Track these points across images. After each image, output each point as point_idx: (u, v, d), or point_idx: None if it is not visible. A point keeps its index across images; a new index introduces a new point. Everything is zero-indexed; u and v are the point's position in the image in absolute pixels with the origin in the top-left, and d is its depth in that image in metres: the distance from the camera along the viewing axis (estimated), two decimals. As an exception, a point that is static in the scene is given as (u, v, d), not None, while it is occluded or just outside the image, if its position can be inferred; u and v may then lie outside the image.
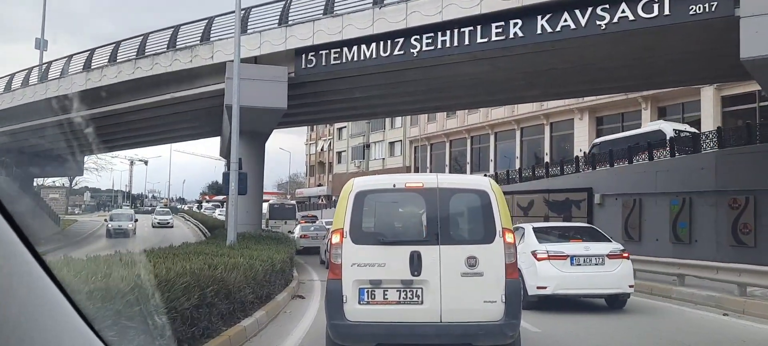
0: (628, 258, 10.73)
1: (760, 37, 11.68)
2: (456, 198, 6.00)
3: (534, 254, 10.45)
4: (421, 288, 5.64)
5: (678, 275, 12.93)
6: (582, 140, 33.27)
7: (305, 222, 30.95)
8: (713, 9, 12.69)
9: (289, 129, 54.61)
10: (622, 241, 16.70)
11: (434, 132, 47.85)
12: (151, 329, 3.50)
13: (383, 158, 55.02)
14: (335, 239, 5.84)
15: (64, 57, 25.53)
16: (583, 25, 14.20)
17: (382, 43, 16.84)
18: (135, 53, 21.75)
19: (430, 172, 44.83)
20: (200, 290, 6.03)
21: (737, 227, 16.78)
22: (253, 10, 19.41)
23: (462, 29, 15.64)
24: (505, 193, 6.59)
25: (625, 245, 13.71)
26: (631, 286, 10.62)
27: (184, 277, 5.82)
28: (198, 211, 66.87)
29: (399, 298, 5.65)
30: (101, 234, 37.90)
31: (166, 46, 20.86)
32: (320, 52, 17.92)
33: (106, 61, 22.75)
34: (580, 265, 10.39)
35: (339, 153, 63.28)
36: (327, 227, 23.51)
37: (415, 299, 5.64)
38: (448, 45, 15.96)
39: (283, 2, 18.67)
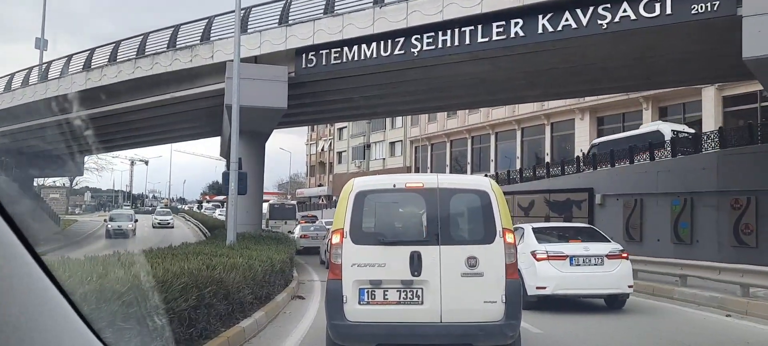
0: (627, 258, 10.75)
1: (763, 37, 11.63)
2: (456, 198, 5.98)
3: (533, 254, 10.45)
4: (422, 288, 5.62)
5: (680, 275, 12.90)
6: (583, 140, 33.20)
7: (305, 222, 30.90)
8: (715, 8, 12.64)
9: (289, 129, 54.69)
10: (623, 241, 16.67)
11: (435, 132, 47.82)
12: (149, 330, 3.48)
13: (384, 158, 54.98)
14: (335, 239, 5.82)
15: (64, 57, 25.54)
16: (584, 24, 14.17)
17: (382, 42, 16.80)
18: (135, 53, 21.72)
19: (431, 172, 44.76)
20: (198, 291, 5.99)
21: (739, 227, 16.72)
22: (253, 9, 19.38)
23: (463, 29, 15.60)
24: (505, 193, 6.55)
25: (626, 245, 13.68)
26: (630, 286, 10.65)
27: (181, 277, 5.78)
28: (198, 211, 66.82)
29: (399, 298, 5.63)
30: (101, 234, 37.63)
31: (166, 45, 20.83)
32: (320, 51, 17.88)
33: (106, 60, 22.73)
34: (579, 265, 10.40)
35: (339, 153, 63.25)
36: (327, 227, 23.46)
37: (416, 299, 5.62)
38: (448, 44, 15.92)
39: (283, 2, 18.62)
